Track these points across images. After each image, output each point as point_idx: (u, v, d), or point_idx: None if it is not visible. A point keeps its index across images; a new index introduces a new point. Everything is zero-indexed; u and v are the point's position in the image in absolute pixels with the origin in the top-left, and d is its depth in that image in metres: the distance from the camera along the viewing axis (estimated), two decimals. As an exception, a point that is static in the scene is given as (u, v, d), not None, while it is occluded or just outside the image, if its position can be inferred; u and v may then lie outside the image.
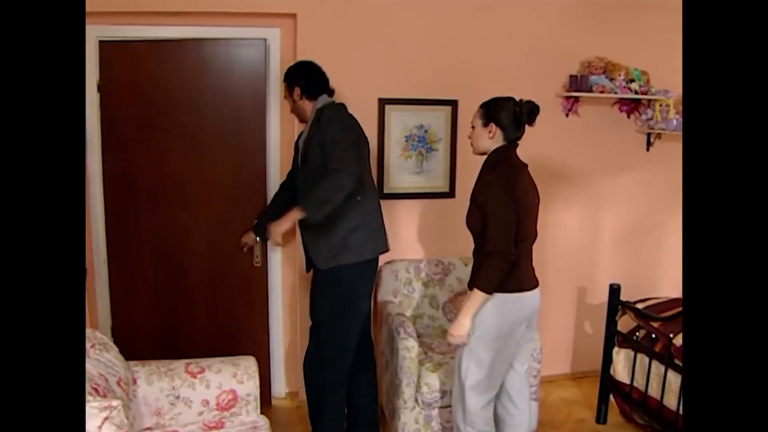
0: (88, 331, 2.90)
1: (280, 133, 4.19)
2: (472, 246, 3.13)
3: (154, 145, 4.02)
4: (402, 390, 3.51)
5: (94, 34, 3.86)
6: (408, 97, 4.20)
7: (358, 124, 3.43)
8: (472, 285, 3.01)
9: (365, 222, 3.43)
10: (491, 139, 3.07)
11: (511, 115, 3.02)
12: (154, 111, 4.00)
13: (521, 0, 4.30)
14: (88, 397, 2.31)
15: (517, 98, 3.10)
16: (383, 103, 4.17)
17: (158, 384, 3.03)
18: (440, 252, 4.40)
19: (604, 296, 4.18)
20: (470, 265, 3.88)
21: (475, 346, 3.02)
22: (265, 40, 4.05)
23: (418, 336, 3.92)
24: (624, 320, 4.11)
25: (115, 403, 2.12)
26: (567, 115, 4.51)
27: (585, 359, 4.85)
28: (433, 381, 3.54)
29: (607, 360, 4.10)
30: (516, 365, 3.23)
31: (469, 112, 4.20)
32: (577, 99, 4.50)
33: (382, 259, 4.16)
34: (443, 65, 4.25)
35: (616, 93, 4.43)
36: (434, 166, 4.33)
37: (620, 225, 4.80)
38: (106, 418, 2.05)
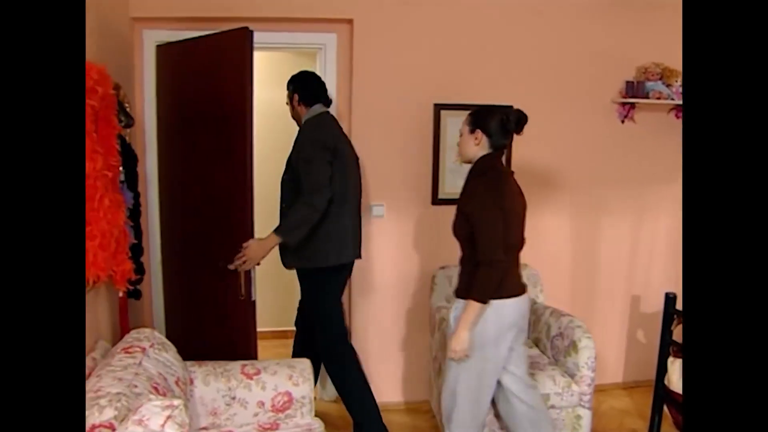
0: (147, 331, 2.94)
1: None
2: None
3: (192, 149, 3.90)
4: (455, 396, 3.48)
5: (153, 38, 3.92)
6: (463, 102, 4.17)
7: (336, 134, 3.50)
8: (460, 294, 3.01)
9: (332, 230, 3.50)
10: (477, 146, 3.03)
11: (498, 123, 2.99)
12: (194, 115, 3.93)
13: (577, 4, 4.25)
14: (149, 396, 2.34)
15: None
16: (439, 108, 4.16)
17: (215, 384, 3.05)
18: (493, 258, 4.35)
19: (658, 305, 4.09)
20: (524, 271, 3.89)
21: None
22: (323, 46, 4.06)
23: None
24: (680, 329, 4.02)
25: (176, 402, 2.14)
26: (623, 122, 4.44)
27: (638, 368, 4.76)
28: (486, 388, 3.49)
29: (662, 370, 4.01)
30: (512, 368, 3.15)
31: (524, 117, 4.22)
32: (633, 105, 4.42)
33: (436, 263, 4.16)
34: (498, 70, 4.22)
35: (672, 99, 4.35)
36: (488, 172, 4.28)
37: (676, 233, 4.70)
38: (168, 417, 2.06)
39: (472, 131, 3.03)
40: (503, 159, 3.11)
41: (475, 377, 3.02)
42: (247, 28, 3.40)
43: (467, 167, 3.23)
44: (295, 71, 3.72)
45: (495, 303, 2.90)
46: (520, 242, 3.07)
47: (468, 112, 3.06)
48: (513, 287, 3.01)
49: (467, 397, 3.06)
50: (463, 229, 2.97)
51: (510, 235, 2.92)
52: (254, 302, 3.59)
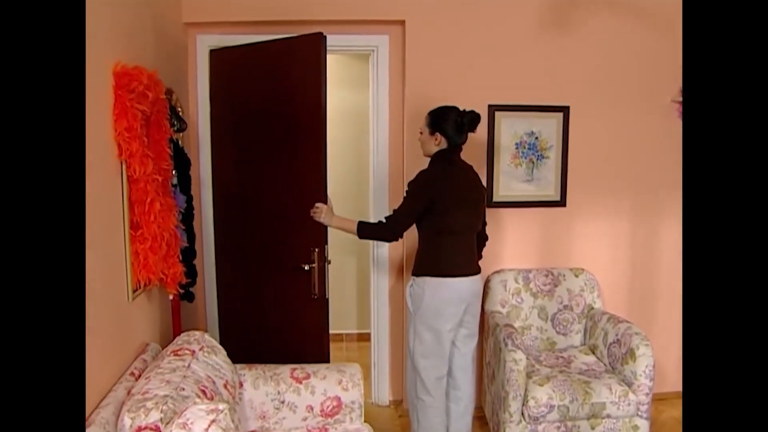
0: (197, 334, 2.94)
1: (390, 139, 4.18)
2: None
3: (256, 151, 3.97)
4: (508, 403, 3.40)
5: (206, 43, 3.96)
6: (518, 103, 4.10)
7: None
8: (414, 272, 3.43)
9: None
10: (437, 145, 3.39)
11: (453, 125, 3.35)
12: (258, 117, 3.98)
13: (633, 3, 4.12)
14: (195, 399, 2.34)
15: (461, 108, 3.39)
16: (493, 109, 4.09)
17: (264, 388, 3.04)
18: (550, 262, 4.26)
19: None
20: (581, 276, 3.79)
21: (417, 324, 3.38)
22: (375, 48, 4.04)
23: (526, 348, 3.81)
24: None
25: (222, 406, 2.12)
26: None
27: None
28: (540, 395, 3.40)
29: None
30: (458, 344, 3.49)
31: (581, 118, 4.13)
32: (695, 103, 4.26)
33: (491, 267, 4.10)
34: (554, 70, 4.12)
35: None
36: (545, 174, 4.20)
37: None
38: (213, 421, 2.05)
39: (432, 133, 3.38)
40: (461, 154, 3.46)
41: (427, 344, 3.38)
42: (321, 33, 3.49)
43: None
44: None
45: (430, 280, 3.33)
46: (468, 228, 3.43)
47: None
48: (452, 268, 3.35)
49: (424, 362, 3.41)
50: None
51: (452, 221, 3.33)
52: (327, 300, 3.68)
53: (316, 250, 3.58)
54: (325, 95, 3.52)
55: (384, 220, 3.37)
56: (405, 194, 3.37)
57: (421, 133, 3.46)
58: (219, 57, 3.91)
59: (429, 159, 3.45)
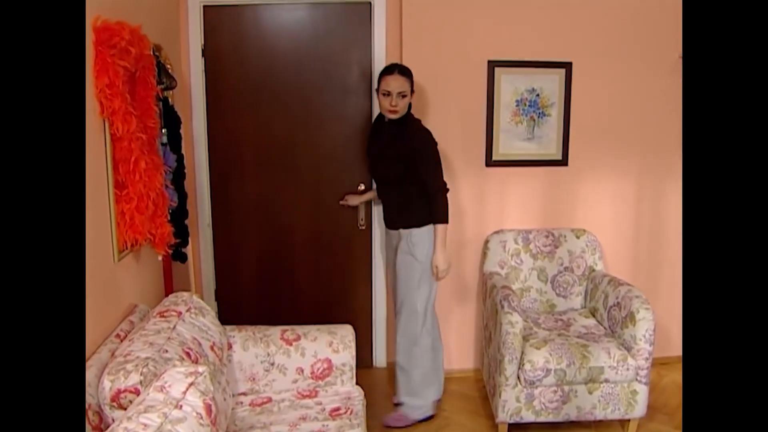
0: (185, 295, 2.90)
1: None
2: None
3: (258, 109, 4.03)
4: (504, 366, 3.35)
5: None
6: (519, 59, 3.98)
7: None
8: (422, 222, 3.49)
9: None
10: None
11: None
12: (258, 74, 3.99)
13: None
14: (176, 362, 2.30)
15: None
16: (493, 65, 3.96)
17: (253, 350, 3.01)
18: (551, 222, 4.18)
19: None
20: (582, 237, 3.72)
21: (425, 272, 3.51)
22: (370, 3, 3.93)
23: (524, 310, 3.75)
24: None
25: (201, 369, 2.08)
26: (692, 78, 4.14)
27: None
28: (537, 358, 3.35)
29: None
30: None
31: (584, 75, 4.02)
32: (704, 60, 4.12)
33: (490, 228, 4.04)
34: (556, 25, 3.98)
35: (749, 53, 4.03)
36: (546, 132, 4.09)
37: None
38: (191, 384, 2.01)
39: (412, 92, 3.47)
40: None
41: (433, 288, 3.60)
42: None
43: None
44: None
45: (431, 228, 3.49)
46: None
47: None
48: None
49: (432, 308, 3.62)
50: (400, 168, 3.45)
51: None
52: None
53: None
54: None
55: (431, 194, 3.43)
56: (421, 156, 3.41)
57: (404, 96, 3.41)
58: (216, 15, 3.91)
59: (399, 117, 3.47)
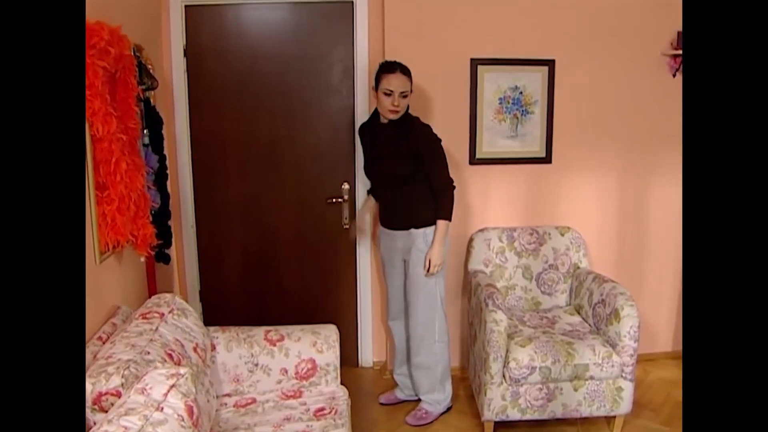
0: (168, 296, 2.88)
1: (369, 97, 4.05)
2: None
3: (241, 109, 4.02)
4: (489, 364, 3.35)
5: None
6: (502, 57, 3.97)
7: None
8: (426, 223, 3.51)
9: None
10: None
11: None
12: (241, 74, 3.98)
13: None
14: (157, 364, 2.29)
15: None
16: (476, 63, 3.96)
17: (237, 351, 3.00)
18: (535, 220, 4.19)
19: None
20: (567, 234, 3.74)
21: (444, 263, 3.54)
22: (352, 2, 3.92)
23: (509, 308, 3.75)
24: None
25: (183, 370, 2.07)
26: (674, 75, 4.15)
27: (690, 337, 4.52)
28: (522, 356, 3.35)
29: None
30: None
31: (567, 72, 4.02)
32: (686, 57, 4.14)
33: (474, 226, 4.04)
34: (539, 23, 3.98)
35: (731, 50, 4.05)
36: (530, 130, 4.09)
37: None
38: (172, 386, 1.99)
39: (411, 90, 3.46)
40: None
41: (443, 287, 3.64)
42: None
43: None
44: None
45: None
46: None
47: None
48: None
49: (442, 307, 3.63)
50: (409, 167, 3.44)
51: None
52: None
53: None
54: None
55: (438, 191, 3.46)
56: (430, 153, 3.45)
57: (406, 95, 3.42)
58: (195, 14, 3.88)
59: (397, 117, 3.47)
